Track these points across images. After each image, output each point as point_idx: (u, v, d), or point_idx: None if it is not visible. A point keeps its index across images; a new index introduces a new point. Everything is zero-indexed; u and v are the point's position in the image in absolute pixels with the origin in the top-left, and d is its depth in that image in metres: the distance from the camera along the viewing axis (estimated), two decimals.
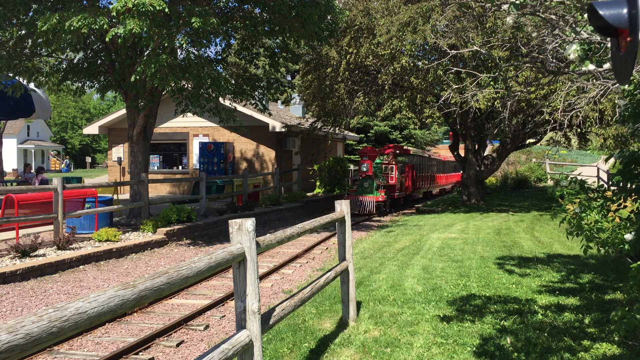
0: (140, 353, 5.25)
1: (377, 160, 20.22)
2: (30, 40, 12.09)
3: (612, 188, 4.43)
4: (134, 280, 2.36)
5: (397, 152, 23.34)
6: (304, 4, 12.32)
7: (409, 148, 26.72)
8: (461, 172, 39.37)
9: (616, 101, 7.56)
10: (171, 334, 5.83)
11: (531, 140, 24.75)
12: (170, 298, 7.28)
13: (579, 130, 22.29)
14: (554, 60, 6.82)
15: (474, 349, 4.78)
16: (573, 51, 3.51)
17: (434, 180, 30.55)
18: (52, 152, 59.60)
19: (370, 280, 7.69)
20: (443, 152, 42.38)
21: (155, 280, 2.46)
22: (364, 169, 18.95)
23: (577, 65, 3.65)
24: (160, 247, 11.36)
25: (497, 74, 7.72)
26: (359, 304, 6.17)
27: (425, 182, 28.03)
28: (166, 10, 9.75)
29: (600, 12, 1.63)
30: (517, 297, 6.54)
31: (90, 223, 11.81)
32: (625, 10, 1.60)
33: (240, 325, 3.41)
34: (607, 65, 3.73)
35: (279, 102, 34.13)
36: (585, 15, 3.80)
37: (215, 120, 18.21)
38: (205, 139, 22.74)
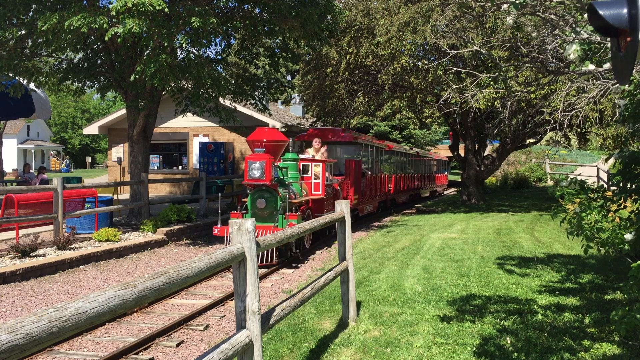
0: (140, 353, 5.25)
1: (289, 156, 10.99)
2: (30, 40, 12.09)
3: (612, 188, 4.43)
4: (134, 280, 2.36)
5: (330, 139, 14.99)
6: (304, 4, 12.32)
7: (356, 134, 16.54)
8: (446, 173, 38.78)
9: (616, 101, 7.56)
10: (171, 334, 5.83)
11: (531, 140, 24.76)
12: (170, 298, 7.28)
13: (578, 130, 22.30)
14: (554, 60, 6.82)
15: (474, 349, 4.78)
16: (573, 51, 3.52)
17: (402, 184, 21.96)
18: (52, 152, 59.60)
19: (370, 280, 7.69)
20: (443, 152, 42.32)
21: (155, 280, 2.46)
22: (255, 174, 9.44)
23: (577, 65, 3.65)
24: (160, 247, 11.36)
25: (497, 74, 7.72)
26: (359, 304, 6.17)
27: (386, 187, 19.10)
28: (166, 10, 9.75)
29: (600, 12, 1.63)
30: (517, 297, 6.54)
31: (90, 223, 11.81)
32: (625, 10, 1.60)
33: (240, 325, 3.41)
34: (607, 65, 3.73)
35: (279, 102, 34.14)
36: (585, 15, 3.81)
37: (215, 120, 18.20)
38: (205, 139, 22.74)
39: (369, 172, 16.71)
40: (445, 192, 36.49)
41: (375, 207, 18.00)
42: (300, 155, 12.21)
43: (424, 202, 26.45)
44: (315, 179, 11.64)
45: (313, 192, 11.60)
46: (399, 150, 22.84)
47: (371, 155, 17.63)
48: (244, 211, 10.23)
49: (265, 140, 9.71)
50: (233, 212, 10.34)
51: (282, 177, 10.31)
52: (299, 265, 9.85)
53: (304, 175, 11.55)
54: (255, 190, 9.91)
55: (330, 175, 12.50)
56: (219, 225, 10.12)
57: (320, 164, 11.71)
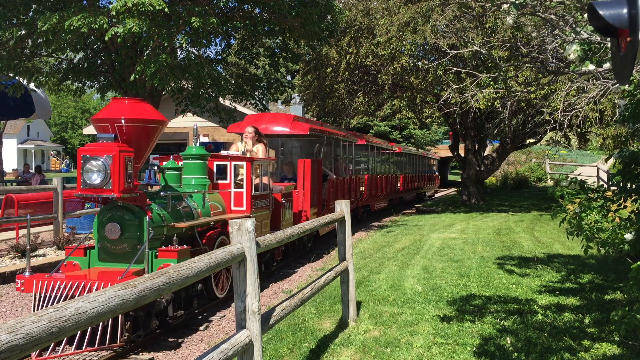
0: (141, 353, 5.25)
1: (192, 151, 7.33)
2: (30, 40, 12.09)
3: (612, 188, 4.44)
4: (133, 280, 2.36)
5: (274, 130, 10.97)
6: (304, 4, 12.32)
7: (314, 123, 12.88)
8: (437, 173, 38.19)
9: (616, 101, 7.57)
10: (171, 334, 5.83)
11: (531, 140, 24.78)
12: None
13: (578, 130, 22.30)
14: (554, 60, 6.82)
15: (474, 349, 4.78)
16: (573, 51, 3.52)
17: (379, 187, 17.90)
18: (52, 152, 59.64)
19: (370, 280, 7.69)
20: (443, 152, 42.28)
21: (155, 280, 2.46)
22: (94, 179, 5.15)
23: (577, 65, 3.65)
24: None
25: (497, 74, 7.72)
26: (359, 304, 6.17)
27: (357, 192, 14.96)
28: (166, 10, 9.76)
29: (600, 12, 1.63)
30: (517, 297, 6.54)
31: (90, 223, 11.79)
32: (625, 10, 1.60)
33: (240, 325, 3.41)
34: (607, 65, 3.73)
35: (279, 102, 34.14)
36: (585, 15, 3.81)
37: (215, 120, 18.17)
38: (205, 139, 22.73)
39: (333, 175, 12.46)
40: (437, 195, 33.67)
41: None
42: (224, 152, 8.34)
43: (424, 203, 26.36)
44: (236, 187, 7.53)
45: (233, 208, 7.44)
46: (375, 145, 18.62)
47: (336, 151, 13.28)
48: (90, 241, 6.09)
49: (123, 120, 5.40)
50: (68, 245, 6.82)
51: (166, 184, 6.41)
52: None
53: (220, 181, 7.57)
54: (104, 208, 5.74)
55: (268, 181, 8.28)
56: (26, 274, 5.65)
57: (244, 162, 7.53)
